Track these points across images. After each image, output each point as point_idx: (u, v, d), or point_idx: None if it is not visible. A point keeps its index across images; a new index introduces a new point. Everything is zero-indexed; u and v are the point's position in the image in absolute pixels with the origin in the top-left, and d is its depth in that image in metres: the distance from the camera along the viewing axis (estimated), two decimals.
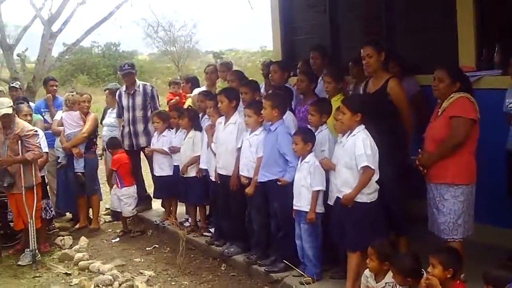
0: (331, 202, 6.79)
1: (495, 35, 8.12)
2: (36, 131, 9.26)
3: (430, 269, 5.20)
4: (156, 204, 11.25)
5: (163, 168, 10.12)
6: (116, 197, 10.37)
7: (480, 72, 7.83)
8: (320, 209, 7.01)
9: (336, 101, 7.45)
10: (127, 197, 10.29)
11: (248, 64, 38.19)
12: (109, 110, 11.63)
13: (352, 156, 6.30)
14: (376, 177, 6.32)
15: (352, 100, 6.78)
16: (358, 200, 6.32)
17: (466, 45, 8.09)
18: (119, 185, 10.29)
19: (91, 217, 11.00)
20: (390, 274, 5.66)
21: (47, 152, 9.98)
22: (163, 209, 10.74)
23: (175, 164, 9.82)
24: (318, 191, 6.96)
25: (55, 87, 12.12)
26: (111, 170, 10.40)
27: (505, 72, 7.46)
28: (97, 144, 10.96)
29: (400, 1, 9.46)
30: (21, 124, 9.07)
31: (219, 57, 42.73)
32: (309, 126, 7.42)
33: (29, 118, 9.75)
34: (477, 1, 8.01)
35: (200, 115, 9.55)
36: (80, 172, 10.60)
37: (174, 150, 9.79)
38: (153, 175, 10.64)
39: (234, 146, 8.18)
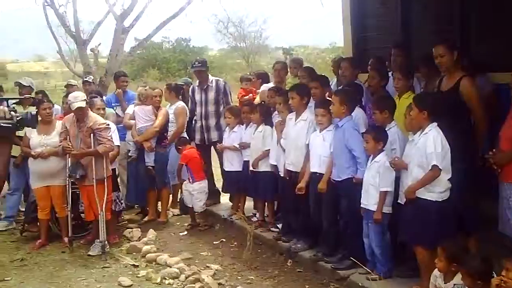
0: (402, 201, 6.68)
1: None
2: (109, 124, 9.40)
3: (505, 273, 5.03)
4: (225, 198, 11.29)
5: (233, 164, 10.15)
6: (188, 192, 10.40)
7: None
8: (387, 209, 6.94)
9: (406, 99, 7.44)
10: (199, 192, 10.31)
11: (318, 61, 38.04)
12: (167, 106, 11.50)
13: (424, 154, 6.23)
14: (447, 175, 6.23)
15: (421, 97, 6.72)
16: (429, 198, 6.27)
17: None
18: (191, 180, 10.31)
19: (160, 210, 11.10)
20: (459, 275, 5.54)
21: (118, 146, 10.13)
22: (231, 203, 10.78)
23: (245, 159, 9.85)
24: (386, 191, 6.88)
25: (125, 83, 12.29)
26: (181, 164, 10.43)
27: None
28: (167, 138, 11.03)
29: None
30: (94, 117, 9.22)
31: (288, 53, 42.73)
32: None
33: (102, 112, 9.91)
34: None
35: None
36: (151, 166, 10.70)
37: (244, 146, 9.81)
38: (222, 170, 10.67)
39: (304, 143, 8.16)
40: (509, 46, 8.50)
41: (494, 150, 6.41)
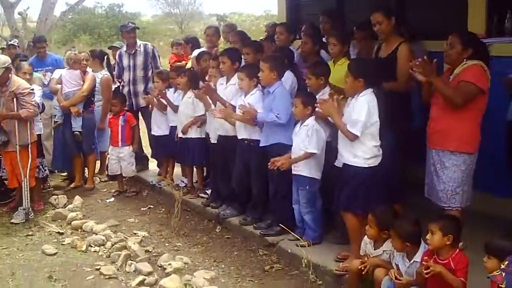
0: (339, 164, 6.53)
1: (507, 1, 7.89)
2: (33, 89, 9.11)
3: (429, 236, 5.04)
4: (153, 164, 11.20)
5: (161, 128, 10.02)
6: (116, 158, 10.25)
7: (490, 39, 7.58)
8: (317, 175, 6.92)
9: (340, 65, 7.36)
10: (130, 156, 10.25)
11: (252, 28, 37.92)
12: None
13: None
14: (374, 143, 6.15)
15: (355, 65, 6.57)
16: (354, 165, 6.18)
17: (476, 11, 7.87)
18: (120, 144, 10.18)
19: (87, 176, 10.89)
20: (388, 242, 5.57)
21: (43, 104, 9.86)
22: (159, 170, 10.68)
23: (171, 125, 9.72)
24: (311, 153, 6.81)
25: (41, 49, 11.85)
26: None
27: None
28: (94, 103, 10.75)
29: None
30: (17, 81, 8.94)
31: (222, 19, 42.50)
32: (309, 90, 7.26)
33: (28, 76, 9.57)
34: None
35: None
36: (78, 131, 10.44)
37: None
38: (150, 135, 10.57)
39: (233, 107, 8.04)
40: (443, 14, 8.52)
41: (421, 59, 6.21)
